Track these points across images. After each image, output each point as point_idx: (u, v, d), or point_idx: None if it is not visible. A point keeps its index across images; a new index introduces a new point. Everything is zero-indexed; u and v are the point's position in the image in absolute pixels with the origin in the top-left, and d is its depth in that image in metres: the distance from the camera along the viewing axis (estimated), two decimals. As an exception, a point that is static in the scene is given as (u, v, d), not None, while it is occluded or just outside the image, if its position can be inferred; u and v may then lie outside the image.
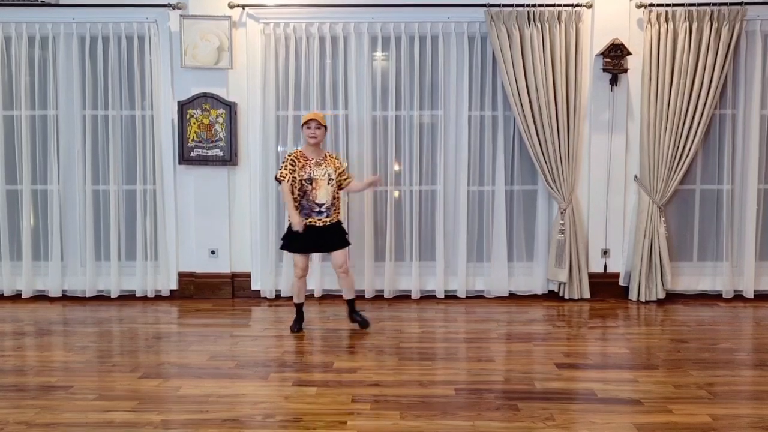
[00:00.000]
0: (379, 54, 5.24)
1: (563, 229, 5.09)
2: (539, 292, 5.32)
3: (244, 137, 5.24)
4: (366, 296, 5.28)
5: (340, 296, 5.24)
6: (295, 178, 4.14)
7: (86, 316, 4.76)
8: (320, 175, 4.18)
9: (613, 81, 5.07)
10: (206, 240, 5.28)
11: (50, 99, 5.23)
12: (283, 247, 4.33)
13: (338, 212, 4.30)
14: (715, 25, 4.93)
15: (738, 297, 5.24)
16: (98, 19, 5.13)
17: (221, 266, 5.31)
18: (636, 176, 5.19)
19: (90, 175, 5.27)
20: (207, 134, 5.15)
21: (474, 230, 5.34)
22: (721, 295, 5.24)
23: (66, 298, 5.32)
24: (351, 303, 4.38)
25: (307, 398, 3.08)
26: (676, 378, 3.35)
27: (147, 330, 4.39)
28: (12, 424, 2.79)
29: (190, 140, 5.15)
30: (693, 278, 5.31)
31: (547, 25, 4.97)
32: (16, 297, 5.34)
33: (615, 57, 4.95)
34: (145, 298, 5.32)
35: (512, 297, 5.29)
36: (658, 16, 4.98)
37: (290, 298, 4.52)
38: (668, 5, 4.98)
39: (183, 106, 5.12)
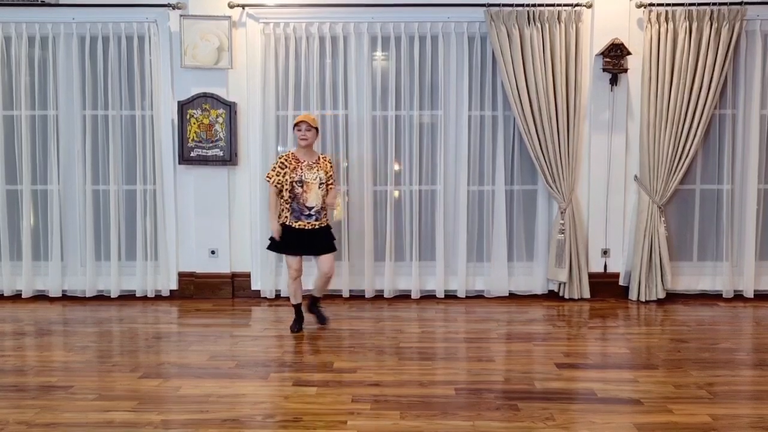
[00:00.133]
0: (379, 54, 5.24)
1: (563, 229, 5.09)
2: (539, 292, 5.32)
3: (244, 137, 5.24)
4: (366, 296, 5.28)
5: (340, 296, 5.28)
6: (285, 180, 4.15)
7: (86, 316, 4.76)
8: (311, 178, 4.18)
9: (613, 81, 5.07)
10: (206, 240, 5.28)
11: (50, 99, 5.23)
12: (269, 247, 4.34)
13: (327, 216, 4.33)
14: (715, 25, 4.93)
15: (738, 297, 5.24)
16: (98, 19, 5.13)
17: (221, 266, 5.31)
18: (636, 176, 5.19)
19: (90, 175, 5.27)
20: (207, 134, 5.15)
21: (474, 230, 5.34)
22: (721, 294, 5.24)
23: (66, 298, 5.32)
24: (317, 299, 4.45)
25: (307, 398, 3.08)
26: (676, 378, 3.35)
27: (147, 330, 4.40)
28: (12, 424, 2.79)
29: (190, 140, 5.15)
30: (693, 278, 5.31)
31: (547, 25, 4.97)
32: (16, 297, 5.34)
33: (615, 57, 4.95)
34: (145, 298, 5.32)
35: (512, 297, 5.29)
36: (658, 15, 4.98)
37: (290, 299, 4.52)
38: (668, 5, 4.98)
39: (183, 106, 5.12)
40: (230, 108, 5.14)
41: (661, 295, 5.10)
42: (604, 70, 5.01)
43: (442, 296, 5.28)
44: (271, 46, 5.14)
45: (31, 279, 5.34)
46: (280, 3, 5.09)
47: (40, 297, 5.35)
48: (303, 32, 5.14)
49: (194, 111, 5.13)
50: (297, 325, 4.32)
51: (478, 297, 5.31)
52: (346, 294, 5.29)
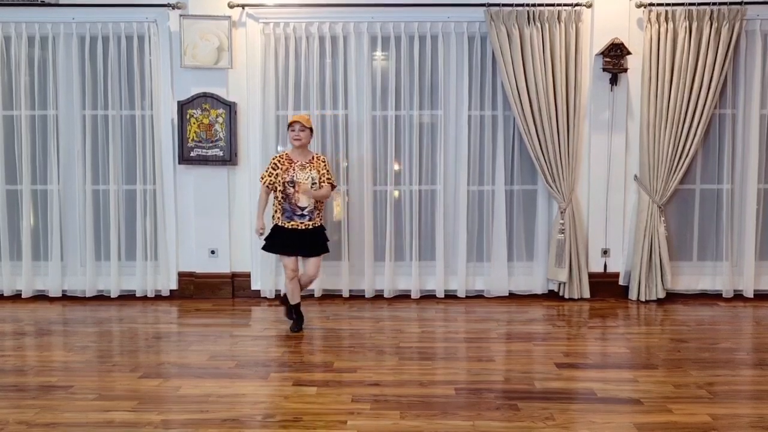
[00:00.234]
0: (378, 54, 5.24)
1: (563, 229, 5.09)
2: (539, 291, 5.32)
3: (244, 137, 5.24)
4: (366, 296, 5.28)
5: (340, 296, 5.28)
6: (278, 181, 4.16)
7: (86, 316, 4.76)
8: (303, 178, 4.18)
9: (613, 80, 5.07)
10: (206, 240, 5.28)
11: (50, 99, 5.23)
12: (264, 248, 4.34)
13: (322, 216, 4.31)
14: (714, 25, 4.93)
15: (738, 296, 5.24)
16: (98, 19, 5.13)
17: (221, 266, 5.31)
18: (636, 176, 5.19)
19: (90, 175, 5.27)
20: (207, 134, 5.15)
21: (474, 230, 5.34)
22: (721, 294, 5.24)
23: (66, 298, 5.32)
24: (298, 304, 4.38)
25: (307, 398, 3.08)
26: (676, 378, 3.35)
27: (147, 330, 4.39)
28: (12, 424, 2.79)
29: (189, 140, 5.15)
30: (693, 278, 5.31)
31: (546, 25, 4.97)
32: (16, 297, 5.34)
33: (615, 56, 4.95)
34: (145, 298, 5.32)
35: (512, 297, 5.29)
36: (658, 15, 4.98)
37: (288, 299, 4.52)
38: (668, 5, 4.98)
39: (183, 106, 5.12)
40: (230, 108, 5.14)
41: (661, 294, 5.10)
42: (604, 69, 5.01)
43: (442, 296, 5.28)
44: (271, 45, 5.14)
45: (31, 279, 5.34)
46: (280, 3, 5.09)
47: (40, 297, 5.35)
48: (303, 32, 5.14)
49: (194, 111, 5.13)
50: (297, 325, 4.32)
51: (478, 297, 5.31)
52: (346, 294, 5.29)
